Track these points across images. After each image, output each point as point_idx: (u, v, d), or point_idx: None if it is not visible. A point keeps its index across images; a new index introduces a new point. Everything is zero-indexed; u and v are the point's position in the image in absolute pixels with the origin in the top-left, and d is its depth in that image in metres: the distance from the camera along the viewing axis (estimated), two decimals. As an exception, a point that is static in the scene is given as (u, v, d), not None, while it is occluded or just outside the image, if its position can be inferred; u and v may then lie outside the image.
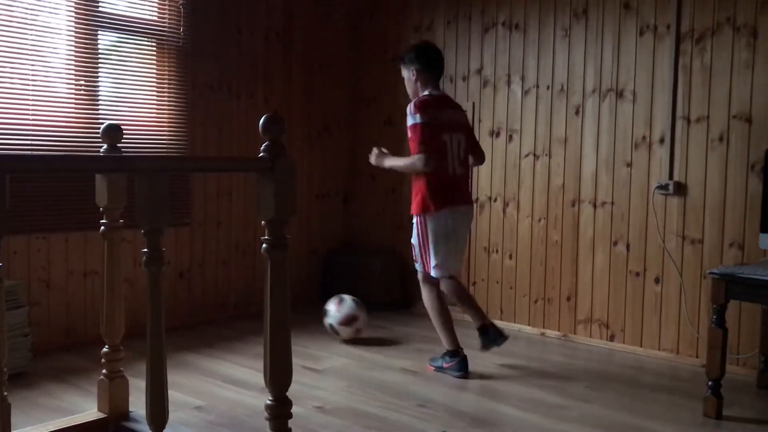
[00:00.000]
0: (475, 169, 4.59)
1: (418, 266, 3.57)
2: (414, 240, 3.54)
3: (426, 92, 3.50)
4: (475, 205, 4.61)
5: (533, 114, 4.34)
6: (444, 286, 3.60)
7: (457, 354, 3.50)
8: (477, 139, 3.85)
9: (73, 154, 3.73)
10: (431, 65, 3.53)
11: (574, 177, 4.17)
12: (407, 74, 3.57)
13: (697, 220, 3.73)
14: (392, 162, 3.57)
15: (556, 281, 4.28)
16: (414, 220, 3.52)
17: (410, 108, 3.44)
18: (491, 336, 3.61)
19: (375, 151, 3.63)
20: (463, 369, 3.48)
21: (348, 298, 4.02)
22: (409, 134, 3.43)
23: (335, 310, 3.98)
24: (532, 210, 4.37)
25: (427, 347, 3.96)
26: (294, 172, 1.94)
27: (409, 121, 3.42)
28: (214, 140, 4.46)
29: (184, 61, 4.28)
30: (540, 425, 2.85)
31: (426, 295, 3.57)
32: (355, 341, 4.01)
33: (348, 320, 3.96)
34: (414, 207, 3.50)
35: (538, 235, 4.35)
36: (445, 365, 3.52)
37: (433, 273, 3.50)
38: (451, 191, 3.47)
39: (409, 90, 3.59)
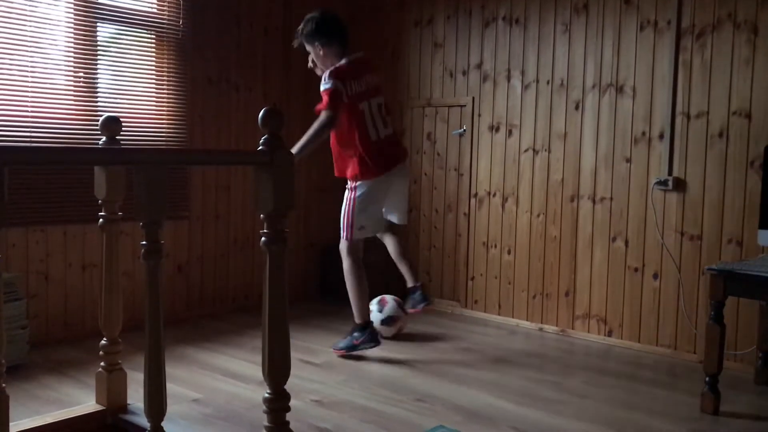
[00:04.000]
0: (474, 163, 4.60)
1: (342, 233, 3.56)
2: (343, 207, 3.54)
3: (343, 61, 3.43)
4: (473, 200, 4.62)
5: (533, 109, 4.34)
6: (387, 241, 3.73)
7: (366, 326, 3.57)
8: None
9: (71, 147, 3.73)
10: (336, 34, 3.44)
11: (574, 172, 4.17)
12: (313, 50, 3.48)
13: (696, 216, 3.73)
14: (297, 145, 3.31)
15: (555, 276, 4.28)
16: (346, 192, 3.54)
17: (324, 75, 3.37)
18: (418, 297, 3.72)
19: None
20: (374, 340, 3.57)
21: (390, 300, 4.03)
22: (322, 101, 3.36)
23: (377, 310, 3.98)
24: (531, 205, 4.37)
25: (426, 341, 3.97)
26: (292, 165, 1.94)
27: (321, 88, 3.36)
28: (212, 133, 4.46)
29: (184, 54, 4.27)
30: (537, 420, 2.86)
31: (348, 266, 3.55)
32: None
33: (390, 321, 3.98)
34: (345, 172, 3.52)
35: (536, 230, 4.35)
36: (356, 342, 3.57)
37: (356, 234, 3.52)
38: (381, 157, 3.48)
39: (321, 65, 3.50)
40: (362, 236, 3.59)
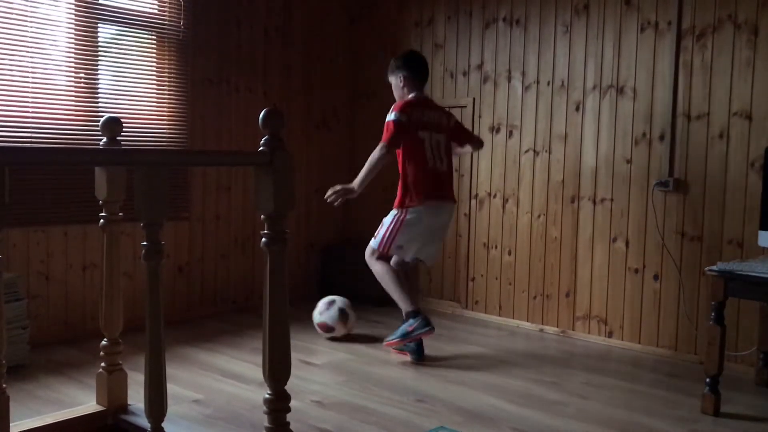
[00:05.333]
0: (474, 164, 4.60)
1: (373, 242, 3.68)
2: (387, 220, 3.66)
3: (412, 95, 3.70)
4: (474, 201, 4.62)
5: (533, 110, 4.34)
6: (394, 264, 3.77)
7: (417, 313, 3.59)
8: (469, 129, 4.09)
9: (72, 147, 3.73)
10: (417, 72, 3.74)
11: (574, 173, 4.17)
12: (395, 81, 3.77)
13: (697, 217, 3.73)
14: (358, 178, 3.57)
15: (555, 277, 4.28)
16: (395, 211, 3.66)
17: (392, 108, 3.63)
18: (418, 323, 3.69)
19: (334, 191, 3.58)
20: (428, 324, 3.56)
21: (336, 307, 3.96)
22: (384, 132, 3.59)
23: (318, 311, 3.97)
24: (531, 206, 4.37)
25: (426, 342, 3.96)
26: (293, 166, 1.94)
27: (387, 119, 3.59)
28: (213, 134, 4.46)
29: (184, 55, 4.27)
30: (538, 421, 2.86)
31: (378, 268, 3.68)
32: (354, 337, 4.02)
33: (324, 328, 3.96)
34: (396, 201, 3.66)
35: (537, 231, 4.35)
36: (410, 328, 3.57)
37: (392, 251, 3.65)
38: (433, 184, 3.63)
39: (397, 95, 3.78)
40: (397, 255, 3.71)
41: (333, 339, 3.98)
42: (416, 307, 3.63)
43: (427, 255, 3.80)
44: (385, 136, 3.55)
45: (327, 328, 3.95)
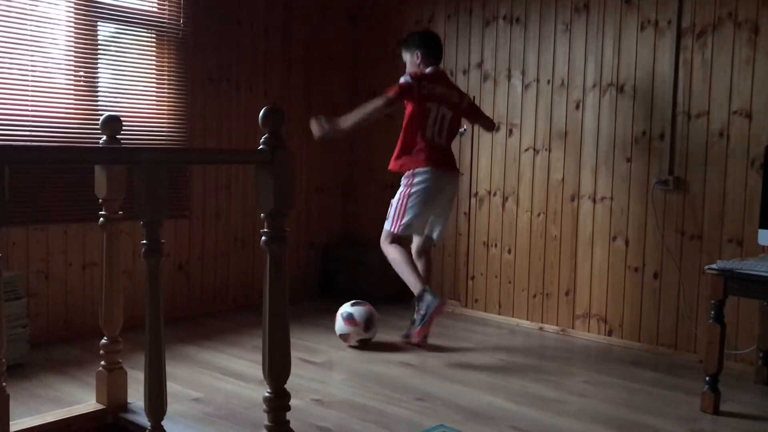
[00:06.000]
0: (474, 163, 4.60)
1: (386, 224, 3.73)
2: (396, 198, 3.71)
3: (428, 69, 3.75)
4: (474, 199, 4.62)
5: (533, 108, 4.33)
6: (415, 245, 3.87)
7: (424, 292, 3.62)
8: (482, 111, 4.10)
9: (72, 146, 3.73)
10: (434, 49, 3.79)
11: (574, 172, 4.17)
12: (410, 58, 3.80)
13: (697, 216, 3.73)
14: (347, 119, 3.62)
15: (555, 276, 4.28)
16: (401, 187, 3.70)
17: (407, 72, 3.71)
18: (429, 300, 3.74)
19: (316, 122, 3.64)
20: (435, 298, 3.59)
21: (366, 307, 3.81)
22: None
23: (349, 304, 3.81)
24: (531, 204, 4.37)
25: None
26: (293, 164, 1.94)
27: (400, 80, 3.65)
28: (213, 132, 4.46)
29: (184, 53, 4.27)
30: (538, 419, 2.86)
31: (391, 251, 3.70)
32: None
33: (351, 321, 3.76)
34: (403, 164, 3.69)
35: (537, 229, 4.35)
36: (422, 312, 3.62)
37: (400, 230, 3.67)
38: (434, 153, 3.68)
39: (410, 69, 3.80)
40: (405, 233, 3.73)
41: (345, 341, 3.81)
42: (422, 287, 3.65)
43: (436, 232, 3.85)
44: (389, 90, 3.60)
45: (353, 321, 3.74)
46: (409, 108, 3.70)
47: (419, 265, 3.84)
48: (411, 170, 3.68)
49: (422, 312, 3.65)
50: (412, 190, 3.66)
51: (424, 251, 3.91)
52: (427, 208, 3.73)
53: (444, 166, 3.73)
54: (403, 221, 3.67)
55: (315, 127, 3.64)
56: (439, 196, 3.74)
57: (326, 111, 5.14)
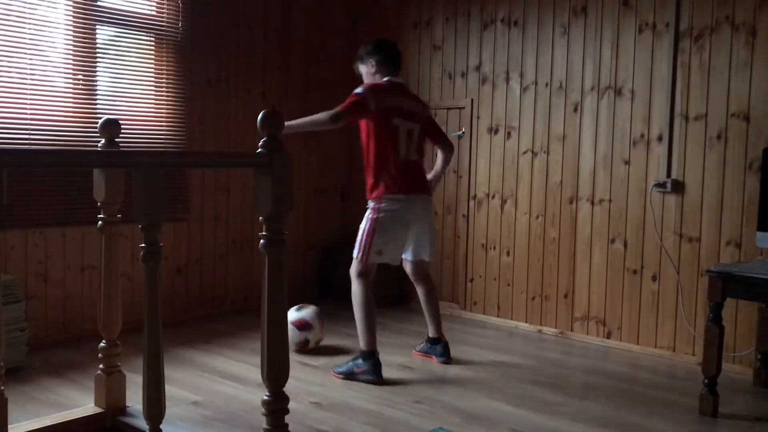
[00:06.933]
0: (473, 165, 4.60)
1: (354, 253, 3.41)
2: (362, 225, 3.41)
3: (384, 79, 3.48)
4: (473, 202, 4.62)
5: (531, 111, 4.34)
6: (419, 289, 3.67)
7: (371, 356, 3.32)
8: (441, 128, 3.83)
9: (70, 149, 3.72)
10: (389, 58, 3.52)
11: (572, 174, 4.17)
12: (365, 69, 3.54)
13: (695, 218, 3.73)
14: (292, 123, 3.27)
15: (554, 278, 4.28)
16: (367, 212, 3.43)
17: (361, 86, 3.40)
18: (440, 350, 3.66)
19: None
20: (376, 374, 3.29)
21: (311, 307, 3.81)
22: None
23: (294, 309, 3.74)
24: (530, 207, 4.37)
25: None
26: (292, 167, 1.94)
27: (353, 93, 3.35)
28: (212, 135, 4.46)
29: (183, 56, 4.27)
30: (536, 422, 2.86)
31: (357, 288, 3.37)
32: (353, 336, 4.01)
33: (301, 324, 3.71)
34: (369, 192, 3.45)
35: (535, 232, 4.35)
36: (356, 370, 3.31)
37: (372, 258, 3.35)
38: (405, 177, 3.41)
39: (366, 81, 3.53)
40: (378, 261, 3.40)
41: (303, 349, 3.72)
42: (373, 348, 3.34)
43: (426, 252, 3.59)
44: (342, 105, 3.28)
45: (304, 324, 3.70)
46: (365, 126, 3.40)
47: (420, 291, 3.68)
48: (379, 199, 3.39)
49: (355, 371, 3.32)
50: (381, 216, 3.36)
51: (421, 276, 3.67)
52: (399, 234, 3.43)
53: (412, 191, 3.43)
54: (372, 249, 3.35)
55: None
56: (411, 226, 3.47)
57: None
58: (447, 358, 3.64)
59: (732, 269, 2.94)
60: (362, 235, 3.40)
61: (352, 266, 3.42)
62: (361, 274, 3.38)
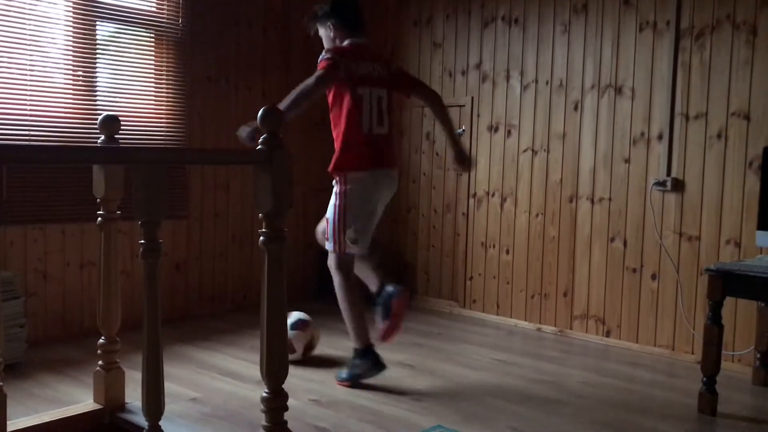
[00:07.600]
0: (473, 163, 4.59)
1: (329, 246, 3.17)
2: (329, 212, 3.16)
3: (346, 42, 3.19)
4: (472, 200, 4.61)
5: (532, 109, 4.34)
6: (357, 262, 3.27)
7: (367, 351, 3.18)
8: (417, 78, 3.60)
9: (70, 145, 3.72)
10: (349, 17, 3.20)
11: (572, 173, 4.17)
12: (324, 32, 3.23)
13: (695, 217, 3.73)
14: (283, 104, 3.01)
15: (553, 277, 4.28)
16: (333, 196, 3.18)
17: (323, 52, 3.12)
18: (389, 293, 3.19)
19: (244, 129, 3.04)
20: (378, 364, 3.16)
21: (293, 313, 3.58)
22: None
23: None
24: (529, 205, 4.37)
25: (424, 341, 3.97)
26: (291, 164, 1.94)
27: (318, 60, 3.09)
28: (211, 132, 4.46)
29: (183, 53, 4.27)
30: (535, 420, 2.86)
31: (339, 283, 3.17)
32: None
33: (299, 325, 3.53)
34: (331, 166, 3.17)
35: (535, 230, 4.35)
36: (359, 371, 3.17)
37: (348, 248, 3.12)
38: (371, 149, 3.12)
39: (327, 46, 3.24)
40: (352, 252, 3.16)
41: (309, 351, 3.58)
42: (367, 342, 3.17)
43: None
44: (318, 69, 3.05)
45: (304, 324, 3.56)
46: (330, 96, 3.15)
47: (363, 270, 3.30)
48: (344, 174, 3.13)
49: (359, 372, 3.17)
50: (349, 198, 3.11)
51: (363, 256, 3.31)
52: (372, 216, 3.19)
53: (378, 162, 3.15)
54: (347, 236, 3.12)
55: (242, 131, 3.05)
56: (376, 200, 3.20)
57: (324, 111, 5.16)
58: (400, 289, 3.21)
59: (731, 268, 2.94)
60: (332, 222, 3.15)
61: (329, 259, 3.24)
62: (339, 265, 3.19)
